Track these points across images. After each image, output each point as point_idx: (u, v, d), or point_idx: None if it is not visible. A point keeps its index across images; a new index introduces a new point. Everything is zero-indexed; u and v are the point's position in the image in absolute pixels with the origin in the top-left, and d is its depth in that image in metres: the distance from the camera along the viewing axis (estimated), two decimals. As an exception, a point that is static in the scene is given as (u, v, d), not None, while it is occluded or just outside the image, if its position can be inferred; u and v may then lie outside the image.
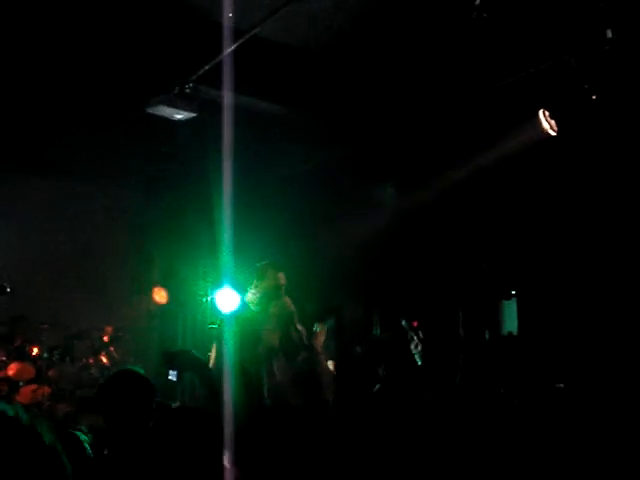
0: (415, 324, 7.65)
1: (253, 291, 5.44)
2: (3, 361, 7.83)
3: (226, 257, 7.47)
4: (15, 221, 8.44)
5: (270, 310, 5.43)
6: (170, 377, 6.80)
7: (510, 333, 7.63)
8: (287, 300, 5.63)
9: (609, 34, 4.99)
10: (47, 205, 8.72)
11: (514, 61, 6.00)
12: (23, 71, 6.59)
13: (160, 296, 9.44)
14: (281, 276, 5.42)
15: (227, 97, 6.75)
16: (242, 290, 5.52)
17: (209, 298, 9.39)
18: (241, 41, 5.93)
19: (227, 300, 6.06)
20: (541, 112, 6.24)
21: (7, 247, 8.18)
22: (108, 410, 3.41)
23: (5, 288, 4.45)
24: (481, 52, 5.89)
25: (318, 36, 6.06)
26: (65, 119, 7.45)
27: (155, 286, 9.51)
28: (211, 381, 4.84)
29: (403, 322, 6.74)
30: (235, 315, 5.42)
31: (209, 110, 6.86)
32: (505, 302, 7.72)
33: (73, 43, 6.12)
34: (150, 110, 6.56)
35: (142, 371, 3.59)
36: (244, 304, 5.53)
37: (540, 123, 6.21)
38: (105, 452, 3.37)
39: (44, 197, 8.71)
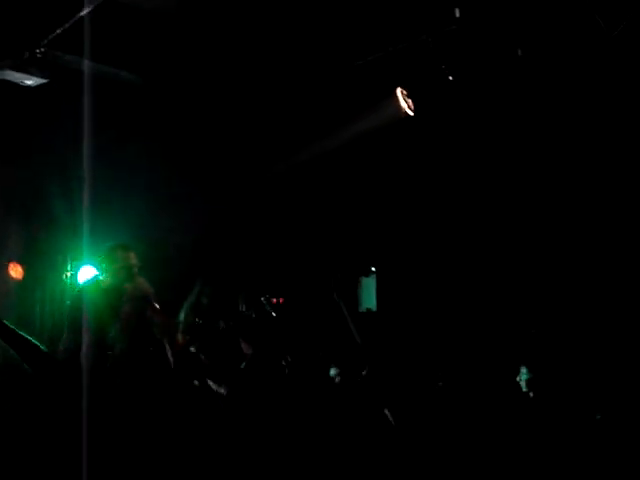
0: (279, 301, 7.69)
1: (105, 271, 5.32)
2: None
3: (85, 234, 7.29)
4: None
5: (123, 290, 5.30)
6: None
7: (369, 309, 7.77)
8: (141, 280, 5.51)
9: (457, 13, 5.09)
10: None
11: (372, 40, 6.04)
12: None
13: (16, 271, 9.03)
14: (132, 256, 5.29)
15: (82, 64, 6.53)
16: (98, 267, 5.44)
17: (69, 274, 9.15)
18: (97, 2, 5.71)
19: (85, 274, 5.99)
20: (398, 91, 6.33)
21: None
22: None
23: None
24: (338, 30, 5.90)
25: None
26: None
27: (11, 261, 9.09)
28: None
29: (262, 299, 6.77)
30: (91, 288, 5.31)
31: (64, 78, 6.62)
32: (364, 279, 7.86)
33: None
34: (-1, 75, 6.23)
35: None
36: (98, 279, 5.43)
37: (397, 102, 6.29)
38: None
39: None
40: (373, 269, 7.76)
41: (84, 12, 5.81)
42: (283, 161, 7.56)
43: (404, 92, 6.30)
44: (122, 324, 5.14)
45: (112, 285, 5.25)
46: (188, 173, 8.38)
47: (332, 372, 6.08)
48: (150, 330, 5.20)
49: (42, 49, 6.11)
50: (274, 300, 6.85)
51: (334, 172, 7.50)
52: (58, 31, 6.00)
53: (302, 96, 6.89)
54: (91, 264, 6.60)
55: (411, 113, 6.33)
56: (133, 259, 5.29)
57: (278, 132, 7.58)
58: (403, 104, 6.28)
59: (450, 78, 6.15)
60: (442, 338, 7.09)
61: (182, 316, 6.07)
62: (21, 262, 9.11)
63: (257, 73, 6.74)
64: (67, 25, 5.95)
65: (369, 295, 7.75)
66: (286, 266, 8.17)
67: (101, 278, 5.35)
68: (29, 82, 6.30)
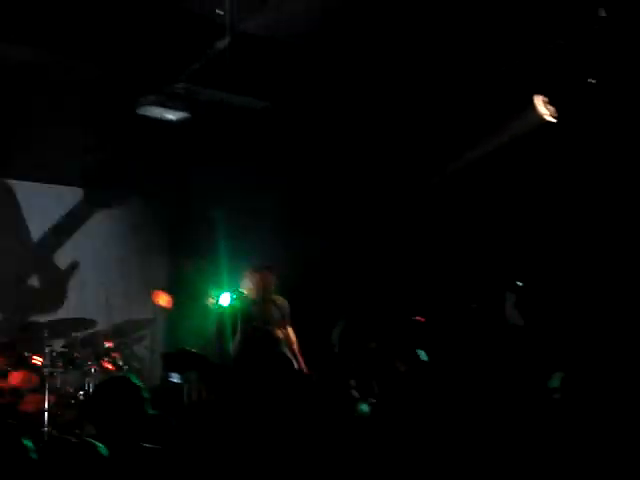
0: (421, 320, 7.55)
1: (244, 293, 5.46)
2: (6, 370, 7.76)
3: (225, 260, 7.46)
4: (18, 230, 8.38)
5: (259, 309, 5.40)
6: (173, 379, 6.81)
7: (515, 324, 7.49)
8: (280, 299, 5.60)
9: (602, 13, 4.85)
10: (52, 213, 8.65)
11: (507, 47, 5.88)
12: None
13: (164, 300, 9.33)
14: (267, 278, 5.39)
15: (219, 96, 6.71)
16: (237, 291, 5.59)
17: (212, 300, 9.39)
18: (231, 38, 5.86)
19: (226, 300, 6.16)
20: (537, 98, 6.11)
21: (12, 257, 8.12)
22: (97, 418, 3.36)
23: None
24: (478, 38, 5.77)
25: (307, 29, 5.95)
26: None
27: (158, 290, 9.41)
28: (214, 376, 4.80)
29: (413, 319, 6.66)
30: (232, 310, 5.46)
31: (202, 110, 6.82)
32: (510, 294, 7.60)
33: (65, 42, 6.05)
34: (141, 111, 6.48)
35: (136, 380, 3.53)
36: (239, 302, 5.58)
37: (537, 109, 6.08)
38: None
39: (43, 203, 8.63)
40: (519, 284, 7.49)
41: (220, 46, 5.98)
42: (423, 176, 7.46)
43: (544, 99, 6.08)
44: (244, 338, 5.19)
45: (247, 304, 5.37)
46: (324, 196, 8.44)
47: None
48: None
49: (182, 84, 6.32)
50: (421, 319, 6.72)
51: (476, 183, 7.31)
52: (196, 66, 6.20)
53: (443, 108, 6.78)
54: (231, 290, 6.79)
55: (553, 120, 6.10)
56: (270, 280, 5.40)
57: (421, 146, 7.49)
58: (544, 111, 6.06)
59: (591, 81, 5.89)
60: (595, 356, 6.75)
61: (335, 338, 6.06)
62: (168, 291, 9.42)
63: (396, 87, 6.70)
64: (204, 60, 6.15)
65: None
66: (428, 283, 8.03)
67: (239, 299, 5.47)
68: (170, 116, 6.52)
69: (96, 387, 3.57)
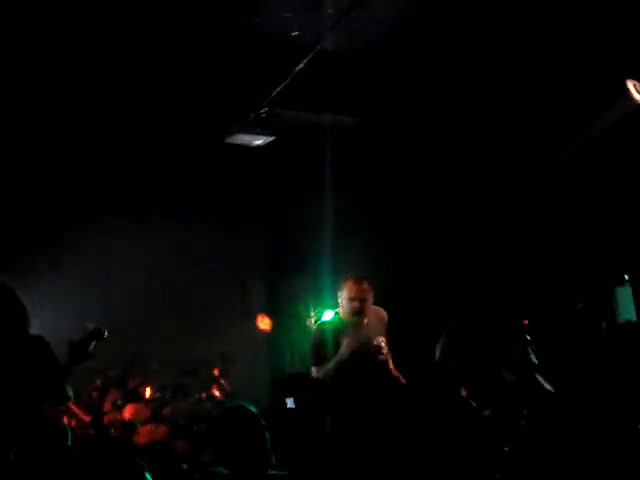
0: (525, 322, 7.36)
1: (340, 301, 5.36)
2: (119, 405, 7.97)
3: (325, 279, 7.41)
4: (121, 267, 8.59)
5: (354, 321, 5.28)
6: (288, 405, 6.80)
7: (628, 321, 7.21)
8: (377, 308, 5.48)
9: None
10: (145, 249, 8.84)
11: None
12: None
13: (264, 323, 9.42)
14: (364, 286, 5.25)
15: (303, 116, 6.73)
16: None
17: (313, 320, 9.39)
18: (309, 57, 5.87)
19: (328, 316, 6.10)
20: (630, 83, 5.87)
21: (114, 291, 8.32)
22: (218, 446, 3.39)
23: (103, 332, 4.48)
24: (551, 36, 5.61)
25: (384, 40, 5.91)
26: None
27: (258, 314, 9.51)
28: (326, 397, 4.78)
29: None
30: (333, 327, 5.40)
31: (287, 133, 6.86)
32: (618, 288, 7.33)
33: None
34: (229, 140, 6.56)
35: (252, 408, 3.56)
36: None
37: (631, 95, 5.84)
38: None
39: (138, 238, 8.83)
40: (626, 277, 7.21)
41: (299, 67, 6.00)
42: (521, 174, 7.27)
43: (636, 84, 5.83)
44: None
45: (344, 314, 5.25)
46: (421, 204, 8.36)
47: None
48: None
49: (265, 109, 6.37)
50: (524, 322, 6.54)
51: (580, 177, 7.05)
52: (277, 89, 6.24)
53: (531, 105, 6.61)
54: (332, 308, 6.74)
55: (647, 105, 5.84)
56: (366, 289, 5.25)
57: (513, 144, 7.31)
58: (637, 96, 5.82)
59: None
60: None
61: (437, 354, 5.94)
62: (267, 313, 9.51)
63: (481, 88, 6.58)
64: (285, 82, 6.17)
65: (626, 306, 7.19)
66: (530, 285, 7.80)
67: (337, 309, 5.39)
68: (257, 142, 6.57)
69: (215, 417, 3.59)
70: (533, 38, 5.74)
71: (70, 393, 4.45)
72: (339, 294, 5.33)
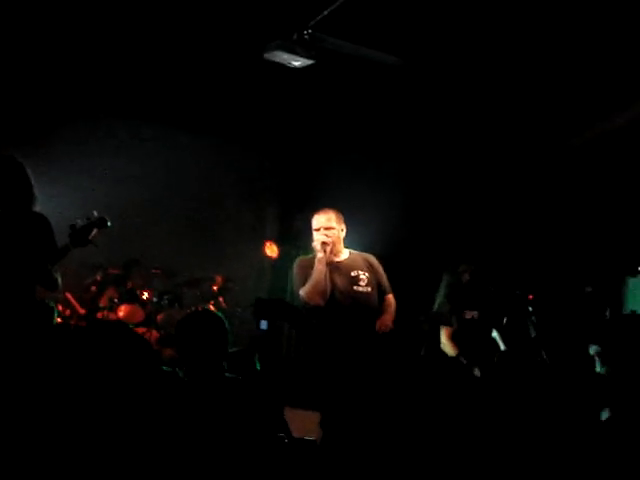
0: (530, 297, 7.28)
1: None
2: (115, 302, 8.02)
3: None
4: (133, 168, 8.53)
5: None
6: (262, 327, 6.84)
7: (634, 312, 7.11)
8: (362, 255, 5.47)
9: None
10: (162, 155, 8.76)
11: None
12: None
13: (272, 250, 9.38)
14: (327, 217, 5.24)
15: (346, 46, 6.56)
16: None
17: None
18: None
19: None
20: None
21: (127, 191, 8.28)
22: (181, 346, 3.46)
23: (106, 221, 4.45)
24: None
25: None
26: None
27: (268, 240, 9.47)
28: (306, 329, 4.77)
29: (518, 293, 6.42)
30: None
31: (328, 60, 6.68)
32: (630, 279, 7.23)
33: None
34: (267, 56, 6.41)
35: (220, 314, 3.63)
36: None
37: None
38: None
39: (159, 146, 8.76)
40: (641, 269, 7.10)
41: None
42: (553, 145, 7.12)
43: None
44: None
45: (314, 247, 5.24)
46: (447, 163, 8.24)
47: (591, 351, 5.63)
48: None
49: (309, 31, 6.20)
50: (530, 296, 6.45)
51: (597, 167, 6.91)
52: (325, 13, 6.05)
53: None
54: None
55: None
56: (332, 219, 5.23)
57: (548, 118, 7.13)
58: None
59: None
60: None
61: (436, 306, 5.91)
62: (277, 242, 9.48)
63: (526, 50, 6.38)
64: (333, 7, 5.98)
65: (635, 297, 7.10)
66: (541, 261, 7.71)
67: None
68: (296, 63, 6.41)
69: (182, 319, 3.64)
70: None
71: (59, 282, 4.44)
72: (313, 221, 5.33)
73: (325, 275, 5.07)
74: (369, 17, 6.30)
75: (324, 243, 5.14)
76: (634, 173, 6.89)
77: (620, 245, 7.18)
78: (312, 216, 5.34)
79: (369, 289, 5.20)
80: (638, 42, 5.92)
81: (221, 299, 8.73)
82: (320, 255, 5.11)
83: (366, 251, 5.53)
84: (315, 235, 5.23)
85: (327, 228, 5.20)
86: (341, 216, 5.34)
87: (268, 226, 9.93)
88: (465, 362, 5.41)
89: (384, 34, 6.57)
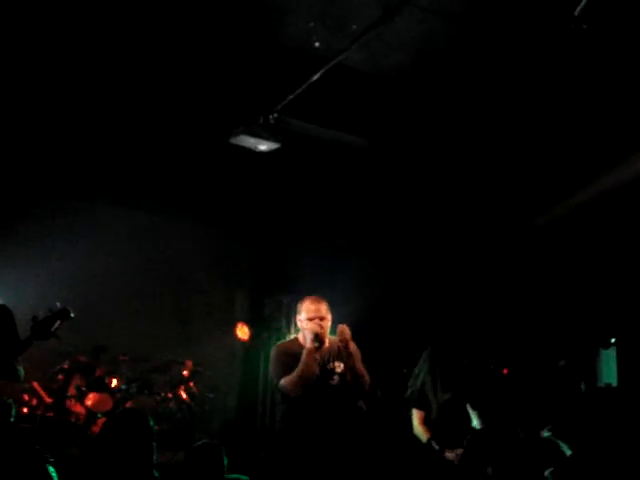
0: (505, 371, 7.25)
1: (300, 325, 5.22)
2: (82, 391, 7.81)
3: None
4: (99, 253, 8.45)
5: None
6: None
7: (608, 385, 7.10)
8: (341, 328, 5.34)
9: None
10: (129, 238, 8.71)
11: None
12: (104, 109, 6.65)
13: (243, 332, 9.28)
14: (322, 308, 5.11)
15: (312, 129, 6.65)
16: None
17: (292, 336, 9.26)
18: (324, 70, 5.79)
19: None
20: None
21: (91, 278, 8.19)
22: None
23: (69, 312, 4.37)
24: (575, 80, 5.55)
25: (403, 65, 5.85)
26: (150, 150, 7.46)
27: (238, 322, 9.38)
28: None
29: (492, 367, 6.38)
30: None
31: (294, 143, 6.76)
32: (603, 351, 7.23)
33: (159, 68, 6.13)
34: (233, 141, 6.46)
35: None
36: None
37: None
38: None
39: (126, 229, 8.71)
40: (613, 340, 7.10)
41: (314, 78, 5.92)
42: (519, 222, 7.20)
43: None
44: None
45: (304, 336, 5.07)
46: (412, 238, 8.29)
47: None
48: None
49: (275, 115, 6.27)
50: (504, 371, 6.42)
51: (572, 233, 6.97)
52: (290, 97, 6.14)
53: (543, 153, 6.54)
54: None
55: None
56: (325, 308, 5.09)
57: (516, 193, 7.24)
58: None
59: None
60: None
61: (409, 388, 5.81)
62: (248, 324, 9.38)
63: (490, 131, 6.51)
64: (299, 91, 6.08)
65: (609, 369, 7.09)
66: (515, 335, 7.70)
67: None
68: (262, 147, 6.46)
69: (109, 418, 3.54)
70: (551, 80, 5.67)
71: (21, 373, 4.32)
72: (298, 317, 5.17)
73: (314, 369, 4.89)
74: (335, 100, 6.43)
75: (319, 335, 4.92)
76: (602, 246, 6.97)
77: (591, 317, 7.20)
78: (300, 302, 5.14)
79: (343, 381, 5.01)
80: (599, 119, 6.07)
81: (191, 384, 8.55)
82: (310, 346, 4.87)
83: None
84: (307, 324, 4.98)
85: (322, 318, 5.01)
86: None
87: (239, 308, 9.84)
88: (437, 447, 5.27)
89: (350, 116, 6.69)
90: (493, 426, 5.49)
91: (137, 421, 3.34)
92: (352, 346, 5.05)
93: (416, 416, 5.57)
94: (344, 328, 5.01)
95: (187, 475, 3.35)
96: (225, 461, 4.11)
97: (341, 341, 4.96)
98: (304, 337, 5.00)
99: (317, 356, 4.94)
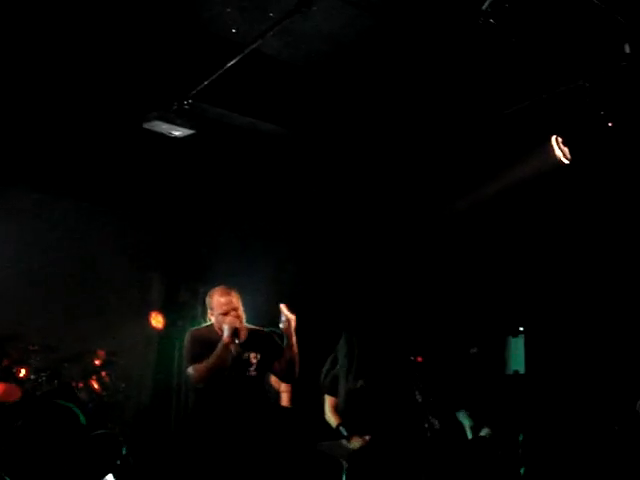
0: (419, 359, 7.37)
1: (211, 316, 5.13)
2: (-11, 380, 7.56)
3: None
4: (14, 235, 8.17)
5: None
6: None
7: (516, 372, 7.30)
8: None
9: (627, 49, 4.68)
10: (40, 223, 8.45)
11: (525, 86, 5.75)
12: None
13: (157, 321, 9.13)
14: (233, 298, 5.00)
15: (227, 116, 6.59)
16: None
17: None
18: (240, 56, 5.73)
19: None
20: (554, 139, 5.96)
21: (1, 263, 7.92)
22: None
23: None
24: (489, 76, 5.66)
25: (319, 54, 5.84)
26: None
27: (152, 311, 9.23)
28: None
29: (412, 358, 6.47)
30: None
31: (209, 129, 6.69)
32: (512, 339, 7.43)
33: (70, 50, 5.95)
34: (147, 126, 6.33)
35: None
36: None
37: (552, 150, 5.92)
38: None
39: (37, 214, 8.44)
40: (521, 329, 7.31)
41: (230, 64, 5.85)
42: (430, 213, 7.32)
43: (559, 140, 5.92)
44: None
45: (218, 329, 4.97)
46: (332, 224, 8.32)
47: (483, 432, 5.68)
48: None
49: (189, 101, 6.17)
50: (419, 359, 6.52)
51: (481, 226, 7.14)
52: (205, 83, 6.06)
53: (451, 147, 6.65)
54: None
55: (567, 162, 5.94)
56: (235, 301, 4.97)
57: (428, 186, 7.35)
58: (558, 152, 5.90)
59: (609, 125, 5.73)
60: (599, 406, 6.53)
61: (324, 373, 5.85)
62: (162, 312, 9.24)
63: (406, 122, 6.58)
64: (214, 77, 6.00)
65: (517, 357, 7.28)
66: (428, 323, 7.83)
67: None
68: (177, 133, 6.36)
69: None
70: (469, 73, 5.77)
71: None
72: (209, 313, 5.05)
73: (226, 363, 4.75)
74: (251, 87, 6.38)
75: (237, 329, 4.74)
76: (511, 237, 7.15)
77: (501, 307, 7.38)
78: (210, 295, 4.99)
79: (259, 372, 4.94)
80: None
81: (104, 374, 8.37)
82: (227, 341, 4.68)
83: (254, 323, 5.16)
84: (223, 319, 4.80)
85: (236, 309, 4.85)
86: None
87: (154, 296, 9.67)
88: (346, 433, 5.31)
89: (267, 104, 6.66)
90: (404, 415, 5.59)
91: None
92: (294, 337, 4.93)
93: (327, 402, 5.61)
94: (292, 318, 4.87)
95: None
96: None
97: (286, 330, 4.85)
98: (220, 328, 4.86)
99: (232, 349, 4.81)
